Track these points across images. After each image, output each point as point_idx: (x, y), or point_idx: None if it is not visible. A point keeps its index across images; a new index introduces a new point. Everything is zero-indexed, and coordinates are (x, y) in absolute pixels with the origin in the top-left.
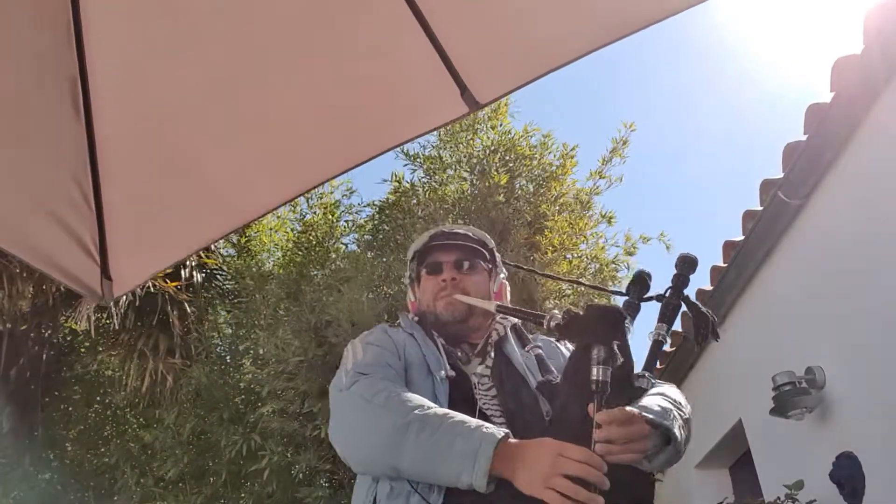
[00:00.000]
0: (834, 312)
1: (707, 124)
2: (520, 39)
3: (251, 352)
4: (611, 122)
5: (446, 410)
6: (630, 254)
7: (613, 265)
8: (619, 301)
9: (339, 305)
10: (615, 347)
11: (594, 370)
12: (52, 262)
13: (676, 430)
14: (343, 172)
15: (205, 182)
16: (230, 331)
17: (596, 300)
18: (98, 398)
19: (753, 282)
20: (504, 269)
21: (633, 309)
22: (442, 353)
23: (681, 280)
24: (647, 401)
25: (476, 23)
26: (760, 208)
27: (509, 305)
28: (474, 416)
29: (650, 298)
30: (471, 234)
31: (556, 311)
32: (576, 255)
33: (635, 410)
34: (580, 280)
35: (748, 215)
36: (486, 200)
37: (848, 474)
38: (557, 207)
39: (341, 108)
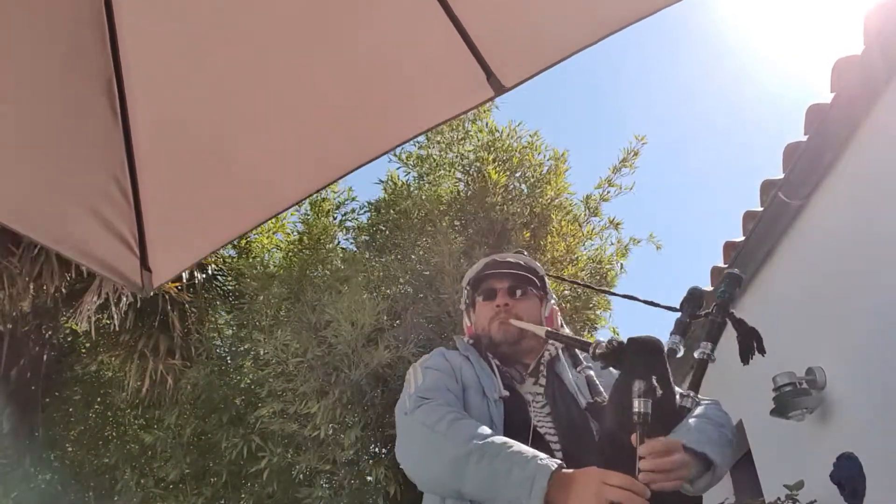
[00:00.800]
0: (834, 313)
1: (707, 124)
2: (544, 21)
3: (252, 353)
4: (610, 123)
5: (505, 439)
6: (623, 255)
7: (609, 265)
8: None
9: (338, 306)
10: (654, 381)
11: (636, 403)
12: (94, 256)
13: (716, 456)
14: (375, 158)
15: (238, 174)
16: (231, 332)
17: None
18: (98, 399)
19: (754, 282)
20: (554, 295)
21: (684, 328)
22: (496, 374)
23: (726, 297)
24: (689, 425)
25: (500, 6)
26: (761, 209)
27: (559, 332)
28: (529, 434)
29: (699, 317)
30: (522, 262)
31: (601, 340)
32: (579, 261)
33: (676, 441)
34: (628, 295)
35: (749, 216)
36: (483, 201)
37: (848, 475)
38: (552, 210)
39: (370, 96)
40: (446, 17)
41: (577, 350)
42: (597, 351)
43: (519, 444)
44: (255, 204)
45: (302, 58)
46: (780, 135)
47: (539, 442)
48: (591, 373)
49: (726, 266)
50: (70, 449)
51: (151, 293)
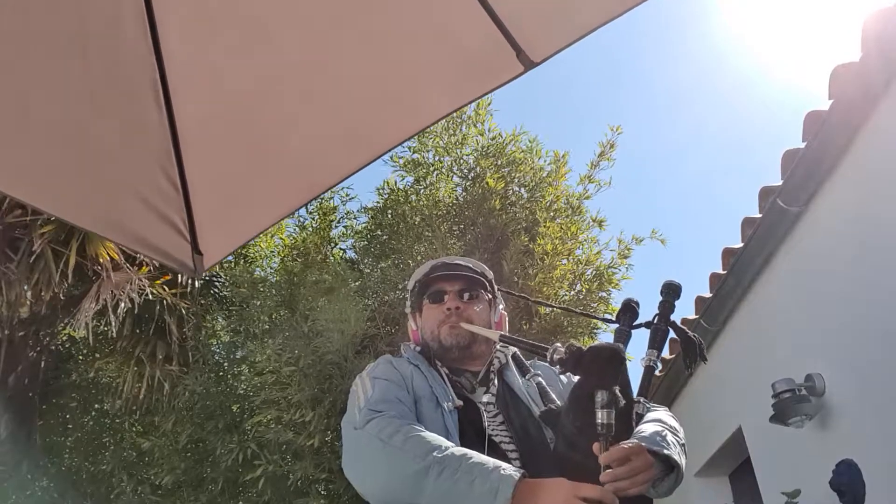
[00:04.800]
0: (833, 319)
1: (706, 130)
2: None
3: (248, 360)
4: (607, 128)
5: (464, 450)
6: (625, 256)
7: (611, 269)
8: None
9: (327, 315)
10: (617, 391)
11: (599, 414)
12: (147, 243)
13: (677, 457)
14: (410, 137)
15: (280, 158)
16: (228, 338)
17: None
18: (96, 405)
19: (752, 289)
20: (503, 300)
21: (625, 337)
22: (447, 384)
23: (667, 307)
24: (645, 429)
25: None
26: (759, 215)
27: (512, 336)
28: (484, 444)
29: (640, 326)
30: (472, 265)
31: (559, 345)
32: (570, 261)
33: (637, 444)
34: (572, 309)
35: (747, 222)
36: (482, 206)
37: (848, 481)
38: (552, 213)
39: (403, 77)
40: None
41: (525, 358)
42: (555, 356)
43: (479, 454)
44: (296, 187)
45: (335, 44)
46: (779, 141)
47: (495, 451)
48: (542, 380)
49: (725, 273)
50: (67, 455)
51: (204, 274)
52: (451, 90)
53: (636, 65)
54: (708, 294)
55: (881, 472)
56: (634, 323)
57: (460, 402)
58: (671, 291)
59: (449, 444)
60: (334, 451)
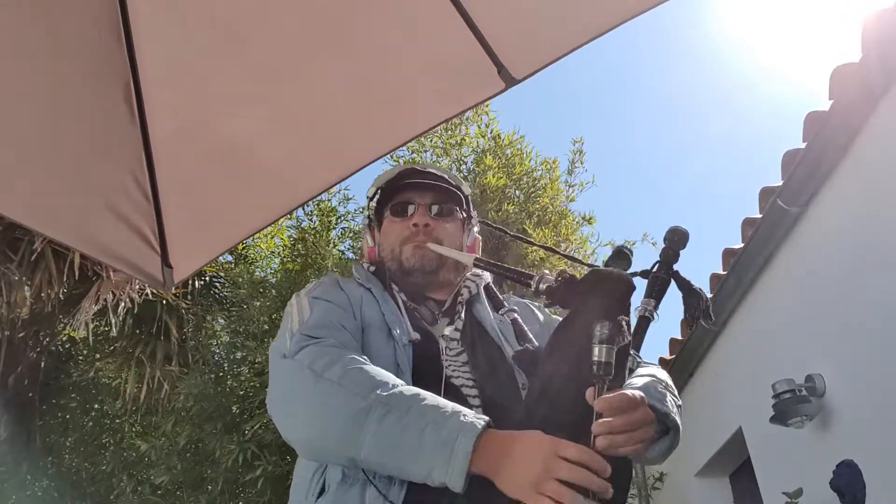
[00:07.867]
0: (833, 320)
1: (707, 131)
2: (553, 13)
3: (247, 360)
4: (609, 129)
5: (416, 390)
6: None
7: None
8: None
9: None
10: (624, 325)
11: (596, 350)
12: (115, 254)
13: (677, 417)
14: (387, 153)
15: (255, 169)
16: (227, 338)
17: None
18: (96, 406)
19: (753, 289)
20: (477, 223)
21: (652, 290)
22: (403, 313)
23: (669, 254)
24: (640, 383)
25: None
26: (760, 216)
27: (489, 260)
28: (441, 386)
29: (635, 274)
30: (446, 175)
31: (546, 272)
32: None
33: (638, 394)
34: (557, 250)
35: (747, 223)
36: (481, 207)
37: (848, 482)
38: (544, 218)
39: (383, 90)
40: (456, 13)
41: (497, 290)
42: (542, 285)
43: (435, 396)
44: (272, 200)
45: (316, 56)
46: (779, 142)
47: (453, 395)
48: (517, 316)
49: (725, 273)
50: (67, 456)
51: (173, 289)
52: (430, 105)
53: (637, 65)
54: (708, 294)
55: (881, 472)
56: (628, 271)
57: (416, 335)
58: (676, 237)
59: (398, 381)
60: None
